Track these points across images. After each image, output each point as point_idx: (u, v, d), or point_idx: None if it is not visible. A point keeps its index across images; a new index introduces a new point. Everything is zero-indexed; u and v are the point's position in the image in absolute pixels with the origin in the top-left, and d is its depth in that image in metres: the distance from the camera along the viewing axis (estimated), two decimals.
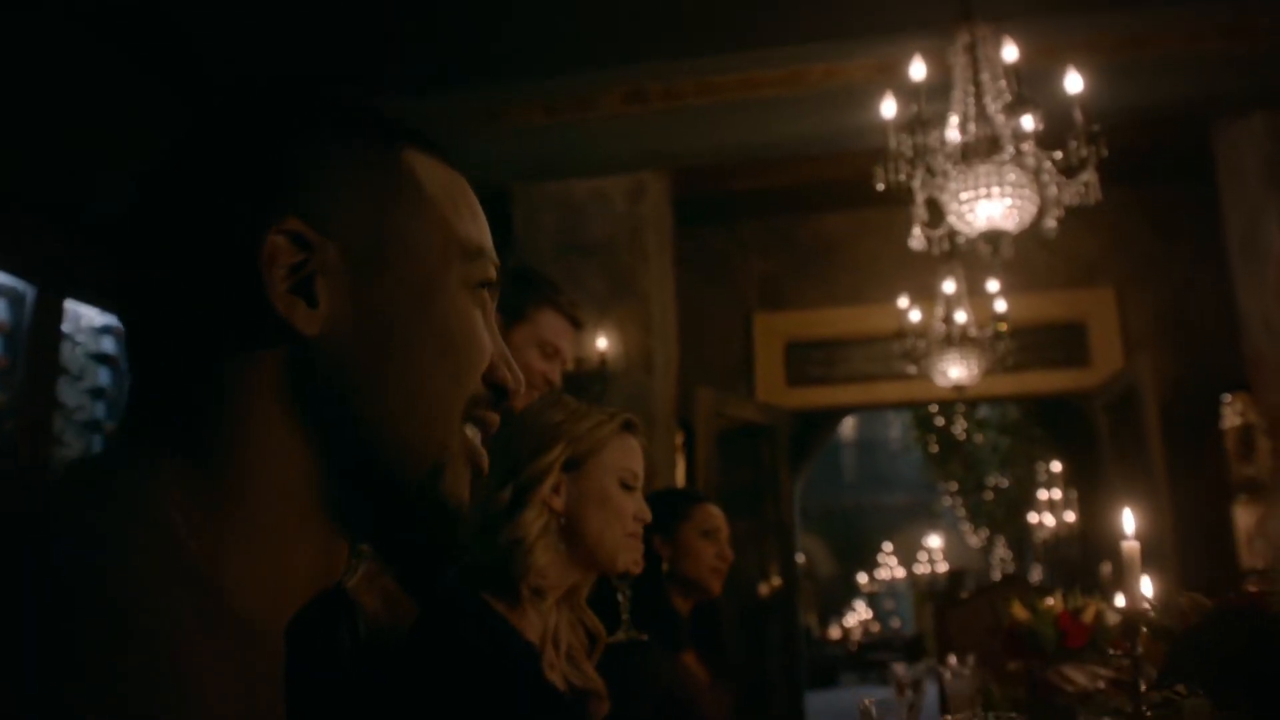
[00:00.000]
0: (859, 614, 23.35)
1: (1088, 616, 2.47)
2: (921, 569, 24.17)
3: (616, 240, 5.68)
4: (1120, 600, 2.73)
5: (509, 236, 5.73)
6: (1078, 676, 2.06)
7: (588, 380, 5.42)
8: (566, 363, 2.49)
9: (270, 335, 0.71)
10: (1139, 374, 6.43)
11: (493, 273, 0.82)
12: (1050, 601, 2.67)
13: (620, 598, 2.18)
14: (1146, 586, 2.75)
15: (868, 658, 20.89)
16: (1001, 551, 16.99)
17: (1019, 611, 2.56)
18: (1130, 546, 1.66)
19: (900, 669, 3.10)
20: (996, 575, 17.46)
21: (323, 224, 0.73)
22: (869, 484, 26.14)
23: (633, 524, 1.84)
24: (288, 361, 0.72)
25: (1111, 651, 2.60)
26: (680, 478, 6.64)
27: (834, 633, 22.36)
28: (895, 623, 25.19)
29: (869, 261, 7.46)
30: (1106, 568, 10.48)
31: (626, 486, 1.83)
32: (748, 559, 7.19)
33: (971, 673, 2.41)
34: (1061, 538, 11.81)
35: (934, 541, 23.78)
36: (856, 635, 22.28)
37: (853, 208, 7.29)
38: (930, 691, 3.14)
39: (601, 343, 5.43)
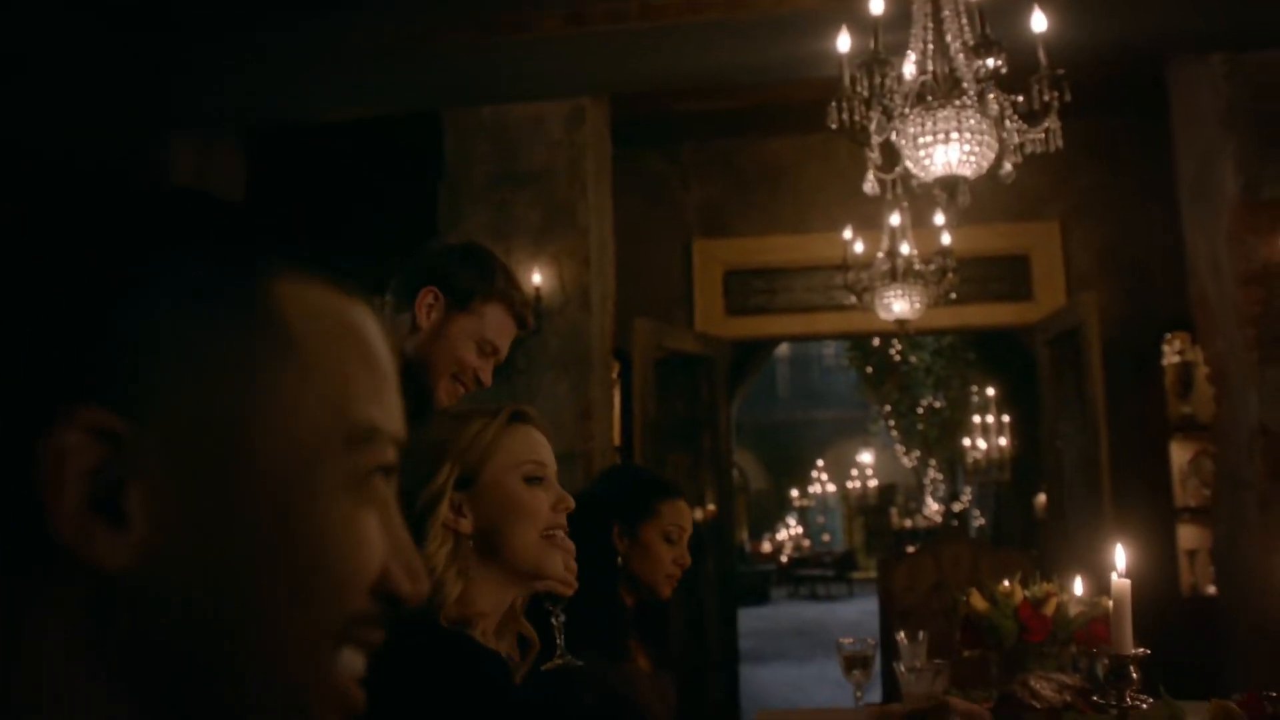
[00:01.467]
0: (790, 529, 23.57)
1: (1049, 609, 2.35)
2: (853, 484, 24.44)
3: (554, 170, 5.43)
4: (1079, 587, 2.63)
5: (440, 165, 5.45)
6: (1045, 690, 1.94)
7: None
8: (500, 359, 2.28)
9: (62, 569, 0.50)
10: (1083, 311, 6.35)
11: (392, 455, 0.61)
12: (1006, 585, 2.55)
13: (554, 622, 2.02)
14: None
15: (798, 573, 21.16)
16: (933, 473, 17.14)
17: (977, 602, 2.43)
18: (1121, 585, 1.52)
19: (848, 648, 2.99)
20: (928, 496, 17.66)
21: (138, 406, 0.52)
22: (802, 399, 26.25)
23: (550, 517, 1.68)
24: (88, 603, 0.51)
25: (1074, 648, 2.50)
26: (616, 411, 6.49)
27: (765, 547, 22.57)
28: (826, 537, 25.52)
29: (812, 189, 7.26)
30: (1041, 499, 10.58)
31: (533, 480, 1.67)
32: (684, 489, 7.08)
33: (927, 666, 2.28)
34: (994, 462, 11.88)
35: (866, 457, 24.01)
36: (788, 550, 22.52)
37: (797, 133, 7.08)
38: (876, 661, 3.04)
39: (536, 278, 5.21)
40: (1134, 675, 1.46)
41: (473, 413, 1.67)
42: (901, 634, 2.94)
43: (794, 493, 25.42)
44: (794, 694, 9.51)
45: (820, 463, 25.14)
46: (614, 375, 6.48)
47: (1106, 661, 2.64)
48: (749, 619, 12.53)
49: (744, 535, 22.79)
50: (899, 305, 6.73)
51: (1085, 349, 6.36)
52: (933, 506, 17.50)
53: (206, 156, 5.67)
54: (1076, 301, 6.50)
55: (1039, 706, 1.92)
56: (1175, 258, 5.73)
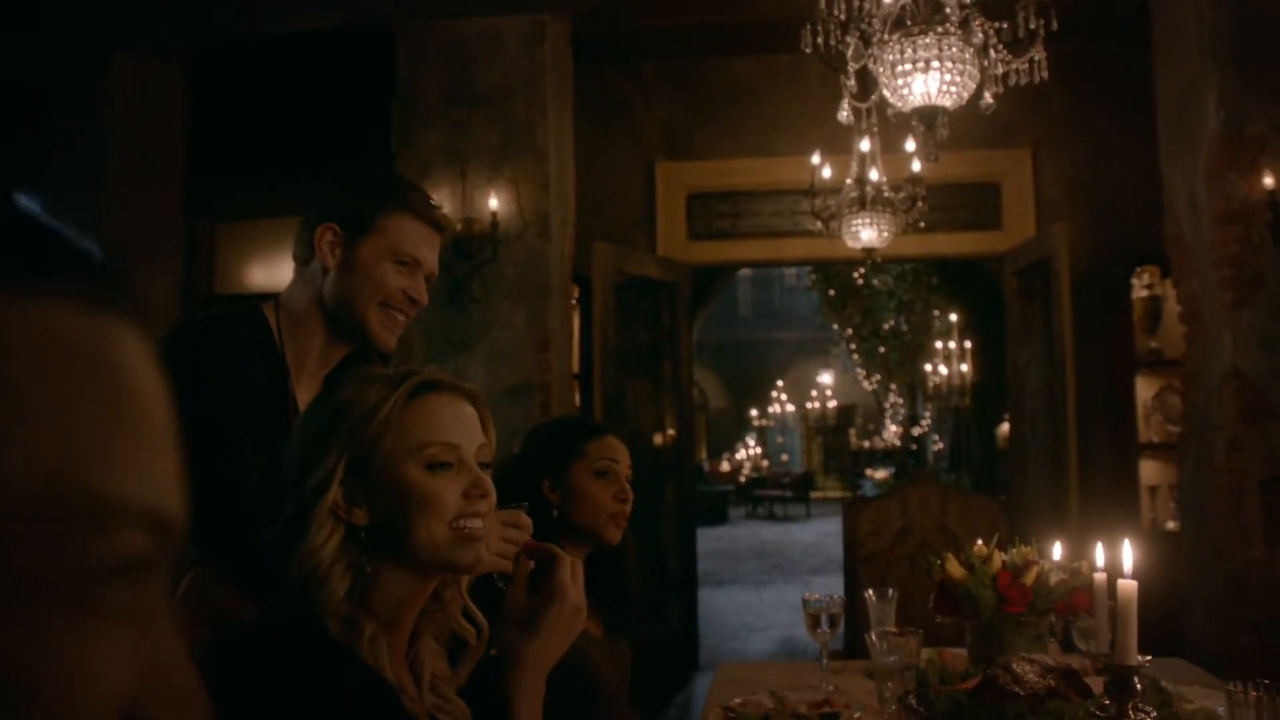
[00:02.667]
0: (749, 449, 23.63)
1: (1029, 578, 2.23)
2: (813, 405, 24.49)
3: (512, 89, 5.18)
4: (1057, 551, 2.51)
5: (393, 83, 5.19)
6: (1029, 674, 1.82)
7: (477, 244, 5.01)
8: (431, 272, 2.09)
9: None
10: (1053, 242, 6.22)
11: (140, 544, 0.42)
12: (980, 546, 2.42)
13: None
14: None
15: (757, 493, 21.25)
16: (894, 398, 17.14)
17: (954, 568, 2.31)
18: (1127, 588, 1.38)
19: (814, 604, 2.87)
20: (888, 420, 17.69)
21: None
22: (763, 319, 26.18)
23: (460, 506, 1.45)
24: None
25: (1053, 617, 2.39)
26: (575, 337, 6.32)
27: (724, 467, 22.63)
28: (784, 457, 25.64)
29: (779, 110, 7.04)
30: (1004, 428, 10.55)
31: (439, 466, 1.44)
32: (644, 415, 6.97)
33: (900, 638, 2.16)
34: (954, 388, 11.84)
35: (826, 379, 24.04)
36: (746, 470, 22.59)
37: (765, 52, 6.84)
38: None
39: (493, 203, 5.00)
40: (1137, 687, 1.33)
41: (374, 381, 1.45)
42: (870, 592, 2.83)
43: (753, 413, 25.45)
44: (753, 619, 9.50)
45: (780, 383, 25.16)
46: (573, 300, 6.30)
47: (1081, 622, 2.54)
48: (707, 540, 12.52)
49: (703, 454, 22.84)
50: (867, 233, 6.57)
51: (1054, 281, 6.24)
52: (892, 429, 17.52)
53: (148, 74, 5.38)
54: (1047, 233, 6.37)
55: (1022, 694, 1.80)
56: (1148, 190, 5.59)
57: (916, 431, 16.33)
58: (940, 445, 15.67)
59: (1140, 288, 6.49)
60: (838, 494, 23.91)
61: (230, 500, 1.77)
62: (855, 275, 14.19)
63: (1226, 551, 4.61)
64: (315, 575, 1.35)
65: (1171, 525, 6.33)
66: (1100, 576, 2.30)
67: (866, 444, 23.21)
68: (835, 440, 25.43)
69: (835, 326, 16.43)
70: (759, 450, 23.82)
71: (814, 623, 2.83)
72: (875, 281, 14.17)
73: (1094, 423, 6.46)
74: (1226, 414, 4.58)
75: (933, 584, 2.40)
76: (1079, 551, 5.85)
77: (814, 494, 21.61)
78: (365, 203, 2.03)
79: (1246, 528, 4.51)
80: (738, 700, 2.50)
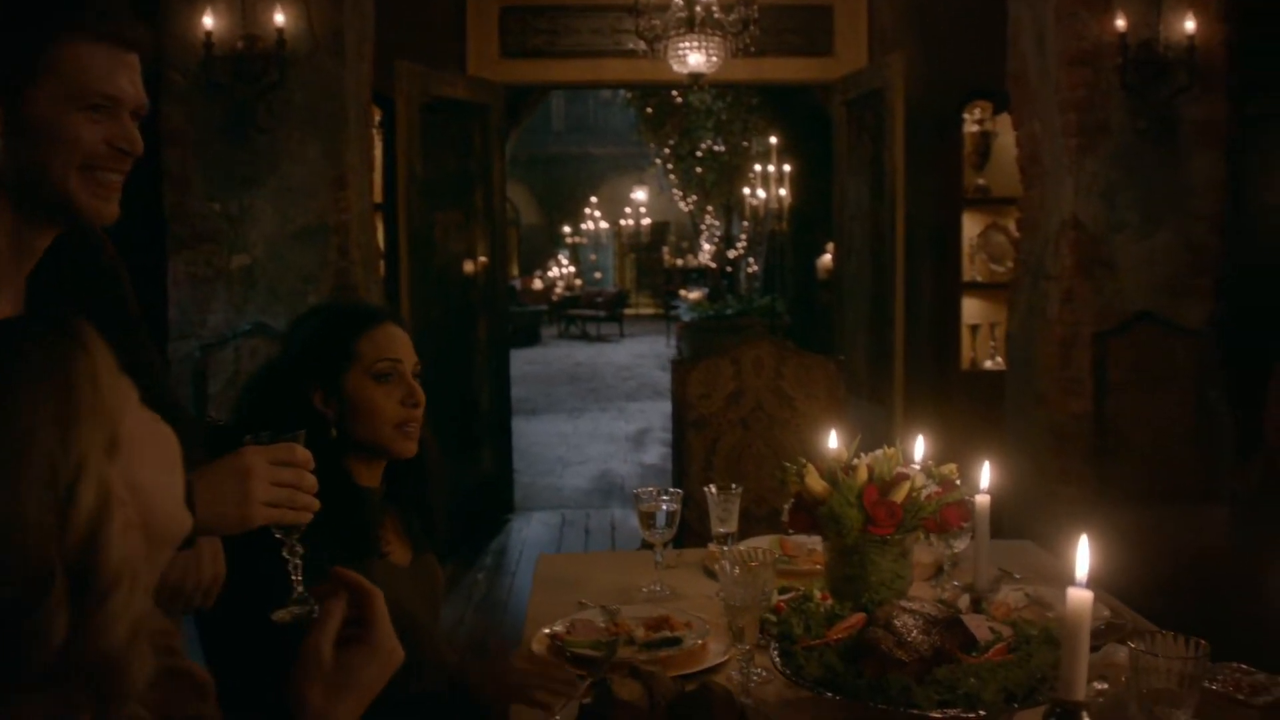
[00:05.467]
0: (563, 267, 23.26)
1: (899, 495, 1.96)
2: (626, 222, 24.18)
3: None
4: (920, 448, 2.26)
5: None
6: (911, 631, 1.55)
7: (261, 65, 4.38)
8: (139, 105, 1.53)
9: None
10: (889, 73, 5.93)
11: None
12: (841, 450, 2.15)
13: (287, 556, 1.49)
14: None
15: (570, 312, 21.02)
16: (710, 219, 16.92)
17: (814, 483, 2.02)
18: (1079, 599, 1.09)
19: (646, 500, 2.57)
20: (703, 241, 17.55)
21: None
22: (577, 133, 25.49)
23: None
24: None
25: (928, 538, 2.15)
26: (378, 165, 5.77)
27: (536, 284, 22.26)
28: (598, 275, 25.40)
29: None
30: (826, 258, 10.46)
31: None
32: (455, 247, 6.52)
33: (755, 566, 1.87)
34: (772, 211, 11.66)
35: (640, 195, 23.68)
36: (559, 288, 22.28)
37: None
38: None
39: (279, 18, 4.35)
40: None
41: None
42: (711, 487, 2.54)
43: (566, 229, 25.01)
44: (568, 452, 9.33)
45: (594, 199, 24.70)
46: (375, 125, 5.72)
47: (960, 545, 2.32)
48: (519, 362, 12.21)
49: (515, 272, 22.38)
50: (694, 57, 6.15)
51: (888, 114, 5.98)
52: (707, 250, 17.39)
53: None
54: (882, 63, 6.06)
55: (906, 660, 1.53)
56: (987, 21, 5.29)
57: (732, 254, 16.21)
58: (755, 268, 15.63)
59: (971, 122, 6.30)
60: (651, 311, 23.94)
61: None
62: (674, 93, 13.71)
63: (1054, 403, 4.54)
64: None
65: (990, 364, 6.32)
66: (982, 499, 2.07)
67: (680, 262, 23.12)
68: (649, 258, 25.28)
69: (651, 146, 15.97)
70: (572, 269, 23.47)
71: (648, 521, 2.55)
72: (694, 100, 13.72)
73: (919, 259, 6.33)
74: (1063, 264, 4.44)
75: (787, 495, 2.11)
76: (911, 404, 5.73)
77: (627, 311, 21.54)
78: (21, 37, 1.44)
79: (1076, 380, 4.43)
80: (561, 627, 2.19)
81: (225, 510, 1.50)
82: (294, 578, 1.50)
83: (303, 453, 1.56)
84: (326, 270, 4.53)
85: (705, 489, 2.55)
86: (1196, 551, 3.84)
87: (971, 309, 6.43)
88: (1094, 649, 1.65)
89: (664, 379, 13.36)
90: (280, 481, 1.53)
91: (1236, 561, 2.51)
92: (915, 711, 1.50)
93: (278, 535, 1.52)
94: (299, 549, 1.51)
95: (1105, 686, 1.54)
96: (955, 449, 2.57)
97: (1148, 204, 4.39)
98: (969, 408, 6.13)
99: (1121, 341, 4.35)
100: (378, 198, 5.64)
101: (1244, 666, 1.80)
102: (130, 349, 1.47)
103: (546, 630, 2.19)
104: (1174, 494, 4.33)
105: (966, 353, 6.38)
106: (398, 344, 2.04)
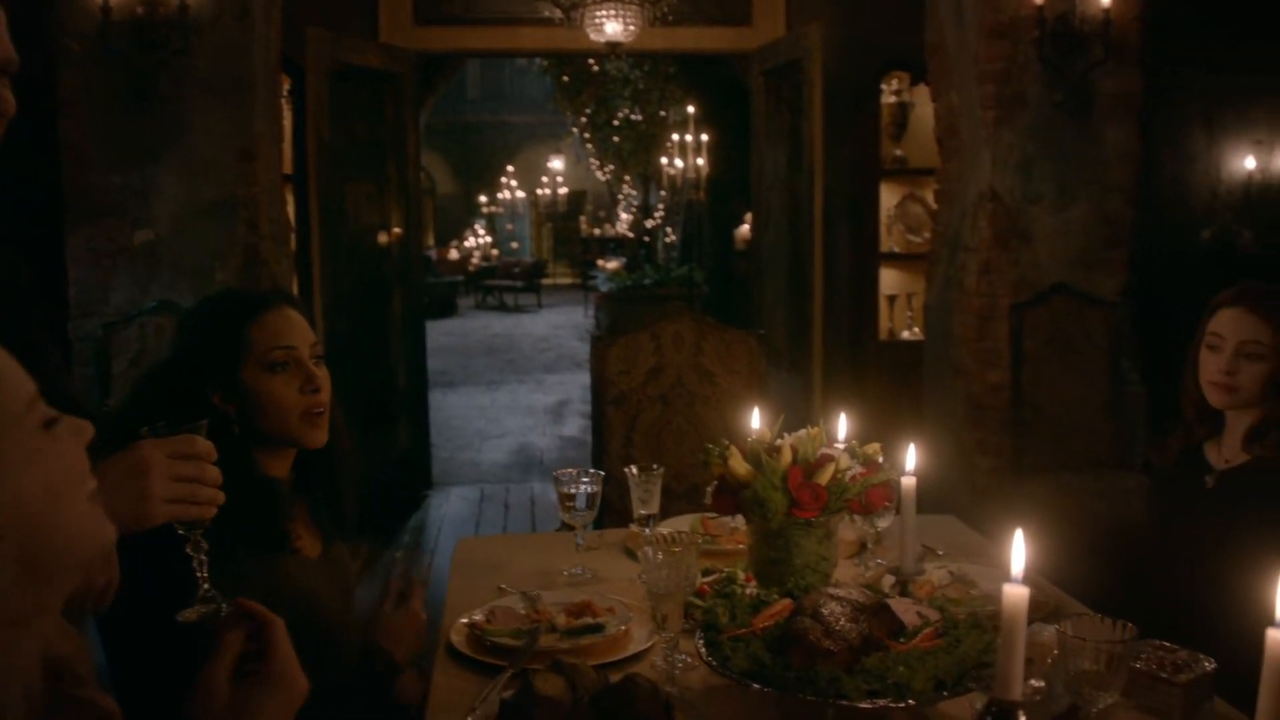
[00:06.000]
0: (479, 236, 23.00)
1: (823, 478, 1.93)
2: (543, 191, 23.98)
3: None
4: (843, 426, 2.23)
5: None
6: (839, 619, 1.52)
7: (163, 31, 4.21)
8: (7, 62, 1.41)
9: None
10: (807, 42, 5.89)
11: None
12: (763, 431, 2.11)
13: (191, 553, 1.42)
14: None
15: (487, 283, 20.82)
16: (627, 188, 16.82)
17: (737, 465, 1.98)
18: (1015, 596, 1.06)
19: (566, 482, 2.51)
20: (620, 210, 17.46)
21: None
22: (493, 101, 25.17)
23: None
24: None
25: (852, 517, 2.12)
26: (287, 136, 5.61)
27: (452, 255, 21.99)
28: (515, 245, 25.17)
29: None
30: (744, 229, 10.43)
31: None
32: (367, 219, 6.38)
33: (678, 549, 1.82)
34: (690, 181, 11.61)
35: (557, 164, 23.48)
36: (475, 259, 22.04)
37: None
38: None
39: None
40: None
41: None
42: (633, 468, 2.49)
43: (482, 198, 24.73)
44: (486, 425, 9.23)
45: (510, 168, 24.44)
46: (284, 94, 5.55)
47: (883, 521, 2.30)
48: (435, 334, 12.07)
49: (430, 242, 22.09)
50: (611, 26, 6.09)
51: (806, 85, 5.95)
52: (625, 219, 17.29)
53: None
54: (800, 33, 6.02)
55: (835, 649, 1.50)
56: None
57: (649, 223, 16.15)
58: (673, 238, 15.58)
59: (889, 93, 6.30)
60: (569, 281, 23.81)
61: None
62: (590, 62, 13.58)
63: (972, 374, 4.56)
64: None
65: (907, 335, 6.36)
66: (908, 481, 2.04)
67: (598, 232, 22.99)
68: (566, 227, 25.10)
69: (568, 114, 15.80)
70: (489, 239, 23.21)
71: (568, 503, 2.49)
72: (610, 69, 13.60)
73: (836, 230, 6.34)
74: (980, 236, 4.45)
75: (710, 476, 2.07)
76: (829, 374, 5.73)
77: (545, 281, 21.38)
78: None
79: (993, 351, 4.46)
80: (480, 615, 2.13)
81: (121, 509, 1.41)
82: (200, 575, 1.44)
83: (204, 444, 1.48)
84: (235, 245, 4.39)
85: (626, 470, 2.50)
86: (1113, 522, 3.90)
87: (889, 279, 6.45)
88: None
89: (582, 350, 13.32)
90: (180, 476, 1.45)
91: (1154, 536, 2.52)
92: (845, 702, 1.47)
93: (181, 532, 1.45)
94: (204, 545, 1.45)
95: (1042, 684, 1.53)
96: (873, 419, 2.57)
97: (1063, 176, 4.42)
98: (887, 378, 6.17)
99: (1037, 313, 4.38)
100: (287, 169, 5.49)
101: (1166, 644, 1.80)
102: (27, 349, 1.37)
103: (465, 620, 2.13)
104: (1088, 464, 4.38)
105: (884, 323, 6.41)
106: (290, 328, 1.93)
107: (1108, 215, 4.45)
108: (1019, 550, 1.11)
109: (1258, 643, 1.71)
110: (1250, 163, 6.45)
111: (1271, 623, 1.13)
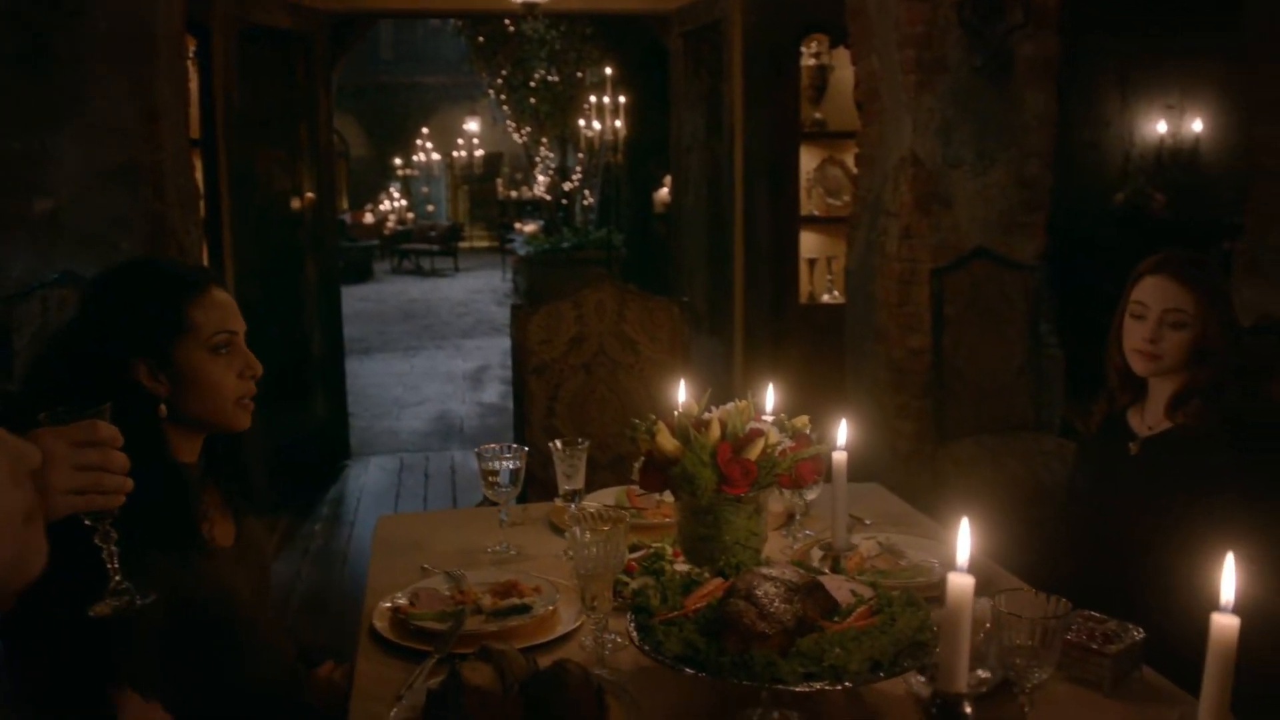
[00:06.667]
0: (394, 200, 22.65)
1: (753, 453, 1.90)
2: (459, 154, 23.66)
3: None
4: (770, 398, 2.20)
5: None
6: (773, 601, 1.50)
7: None
8: None
9: None
10: (726, 5, 5.84)
11: None
12: (690, 404, 2.07)
13: (100, 543, 1.35)
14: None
15: (403, 247, 20.53)
16: (545, 151, 16.64)
17: (665, 441, 1.94)
18: (960, 585, 1.03)
19: (489, 457, 2.45)
20: (538, 173, 17.29)
21: None
22: (407, 62, 24.72)
23: None
24: None
25: (781, 490, 2.10)
26: (194, 100, 5.42)
27: (367, 219, 21.63)
28: (430, 208, 24.83)
29: None
30: (663, 192, 10.39)
31: None
32: (278, 185, 6.22)
33: (608, 530, 1.78)
34: (607, 143, 11.51)
35: (473, 126, 23.17)
36: (391, 223, 21.71)
37: None
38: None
39: None
40: (968, 714, 1.01)
41: None
42: (557, 442, 2.44)
43: (397, 161, 24.34)
44: (405, 392, 9.11)
45: (425, 130, 24.07)
46: (190, 56, 5.36)
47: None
48: (351, 300, 11.88)
49: (345, 206, 21.71)
50: None
51: (726, 48, 5.91)
52: (542, 181, 17.13)
53: None
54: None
55: (769, 632, 1.48)
56: None
57: (567, 186, 16.00)
58: (591, 201, 15.46)
59: (808, 56, 6.27)
60: (486, 245, 23.58)
61: None
62: (506, 21, 13.36)
63: (893, 339, 4.57)
64: None
65: (828, 298, 6.37)
66: (839, 456, 2.02)
67: (515, 195, 22.75)
68: (482, 190, 24.81)
69: (484, 75, 15.56)
70: (404, 202, 22.86)
71: (491, 478, 2.43)
72: (526, 29, 13.40)
73: (756, 193, 6.32)
74: (901, 201, 4.45)
75: (638, 452, 2.03)
76: (750, 338, 5.73)
77: (461, 244, 21.14)
78: None
79: (914, 316, 4.47)
80: (404, 599, 2.07)
81: None
82: (110, 566, 1.38)
83: (108, 429, 1.40)
84: (140, 213, 4.22)
85: (551, 444, 2.45)
86: (1032, 484, 3.94)
87: (809, 243, 6.45)
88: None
89: (501, 314, 13.20)
90: (84, 464, 1.37)
91: (1079, 502, 2.53)
92: (780, 686, 1.45)
93: (87, 523, 1.37)
94: (114, 535, 1.37)
95: (987, 675, 1.51)
96: (795, 384, 2.55)
97: (983, 141, 4.42)
98: (808, 342, 6.18)
99: (958, 277, 4.39)
100: (194, 134, 5.30)
101: (1095, 615, 1.80)
102: None
103: (388, 604, 2.07)
104: (1007, 426, 4.42)
105: (805, 286, 6.41)
106: (231, 312, 1.87)
107: (1026, 179, 4.48)
108: (965, 539, 1.08)
109: (1185, 609, 1.73)
110: (1162, 126, 6.55)
111: (1215, 607, 1.12)
